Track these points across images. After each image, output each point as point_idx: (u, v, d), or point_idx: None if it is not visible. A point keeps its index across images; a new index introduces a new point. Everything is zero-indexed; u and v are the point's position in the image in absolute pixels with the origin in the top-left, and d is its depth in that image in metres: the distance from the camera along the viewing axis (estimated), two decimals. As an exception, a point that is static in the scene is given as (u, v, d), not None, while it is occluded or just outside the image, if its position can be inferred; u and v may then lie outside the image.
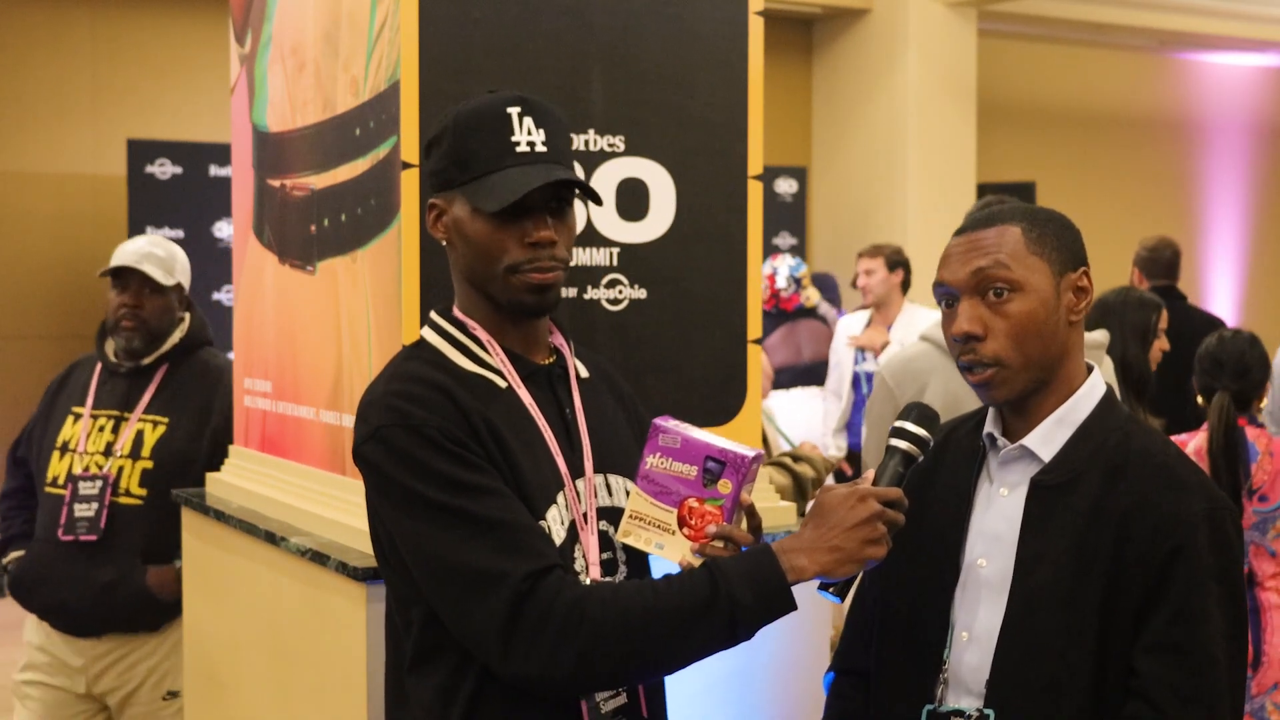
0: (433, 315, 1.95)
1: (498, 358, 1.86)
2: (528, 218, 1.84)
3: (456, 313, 1.92)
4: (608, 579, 1.86)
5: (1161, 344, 4.54)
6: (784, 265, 7.12)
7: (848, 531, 1.74)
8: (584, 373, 1.97)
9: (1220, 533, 1.79)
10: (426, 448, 1.74)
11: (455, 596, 1.73)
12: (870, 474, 1.83)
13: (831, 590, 1.78)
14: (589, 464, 1.89)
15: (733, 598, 1.71)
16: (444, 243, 1.89)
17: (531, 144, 1.85)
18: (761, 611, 1.73)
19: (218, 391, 3.85)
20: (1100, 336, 3.54)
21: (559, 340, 1.96)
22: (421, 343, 1.91)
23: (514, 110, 1.85)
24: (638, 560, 1.94)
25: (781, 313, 7.15)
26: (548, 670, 1.71)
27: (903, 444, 1.84)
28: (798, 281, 7.11)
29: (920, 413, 1.86)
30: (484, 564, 1.71)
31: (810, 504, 1.85)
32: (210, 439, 3.81)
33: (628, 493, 1.95)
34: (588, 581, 1.81)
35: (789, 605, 1.74)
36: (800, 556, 1.74)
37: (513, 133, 1.85)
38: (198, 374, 3.91)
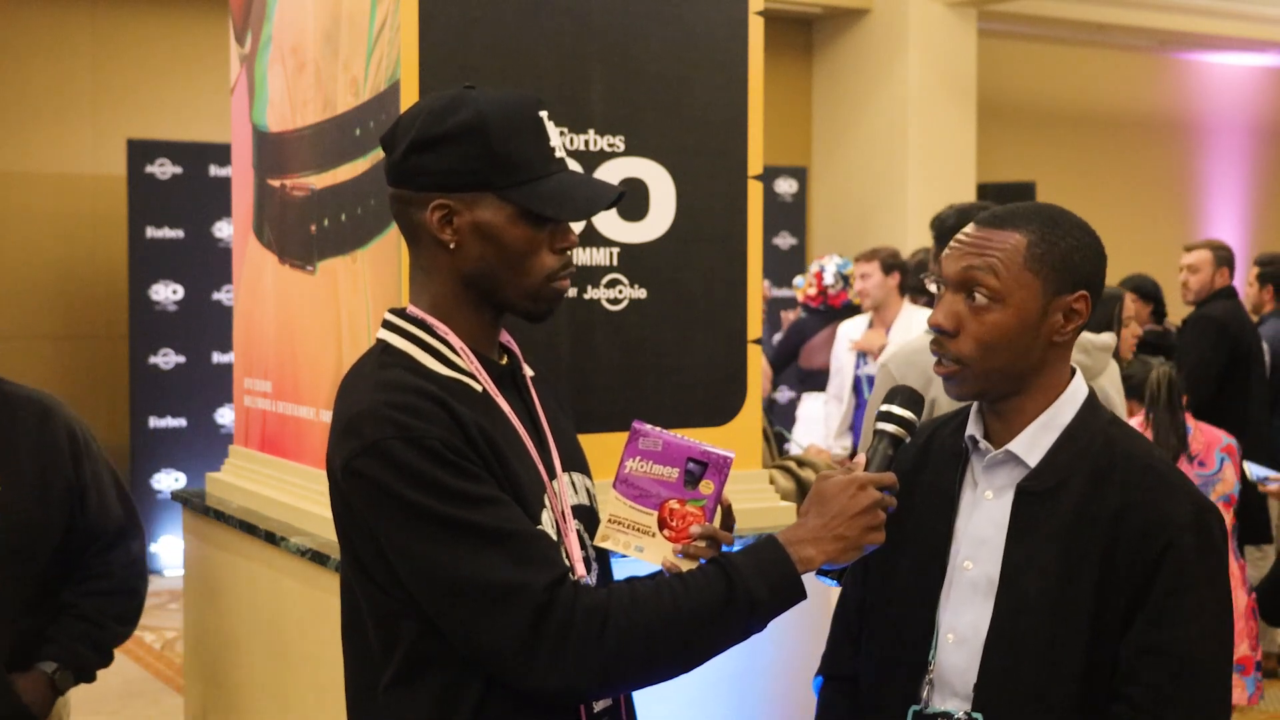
0: (389, 317, 1.88)
1: (470, 361, 1.82)
2: (559, 226, 1.83)
3: (417, 313, 1.85)
4: (590, 576, 1.86)
5: (1132, 331, 4.69)
6: (831, 263, 7.10)
7: (850, 520, 1.76)
8: (530, 371, 1.96)
9: (1207, 536, 1.81)
10: (428, 460, 1.70)
11: (468, 612, 1.69)
12: (862, 459, 1.85)
13: (831, 576, 1.80)
14: (558, 464, 1.89)
15: (749, 594, 1.72)
16: (450, 245, 1.80)
17: (558, 148, 1.85)
18: (776, 604, 1.74)
19: (53, 435, 2.84)
20: (1109, 339, 3.53)
21: (506, 338, 1.93)
22: (388, 348, 1.84)
23: (544, 114, 1.84)
24: (601, 555, 1.94)
25: (829, 309, 7.12)
26: (572, 681, 1.69)
27: (890, 427, 1.87)
28: (845, 279, 7.07)
29: (905, 396, 1.89)
30: (501, 577, 1.68)
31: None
32: (64, 498, 2.81)
33: (588, 491, 1.96)
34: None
35: (800, 595, 1.76)
36: (808, 547, 1.76)
37: (549, 138, 1.83)
38: (11, 412, 2.82)
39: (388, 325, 1.87)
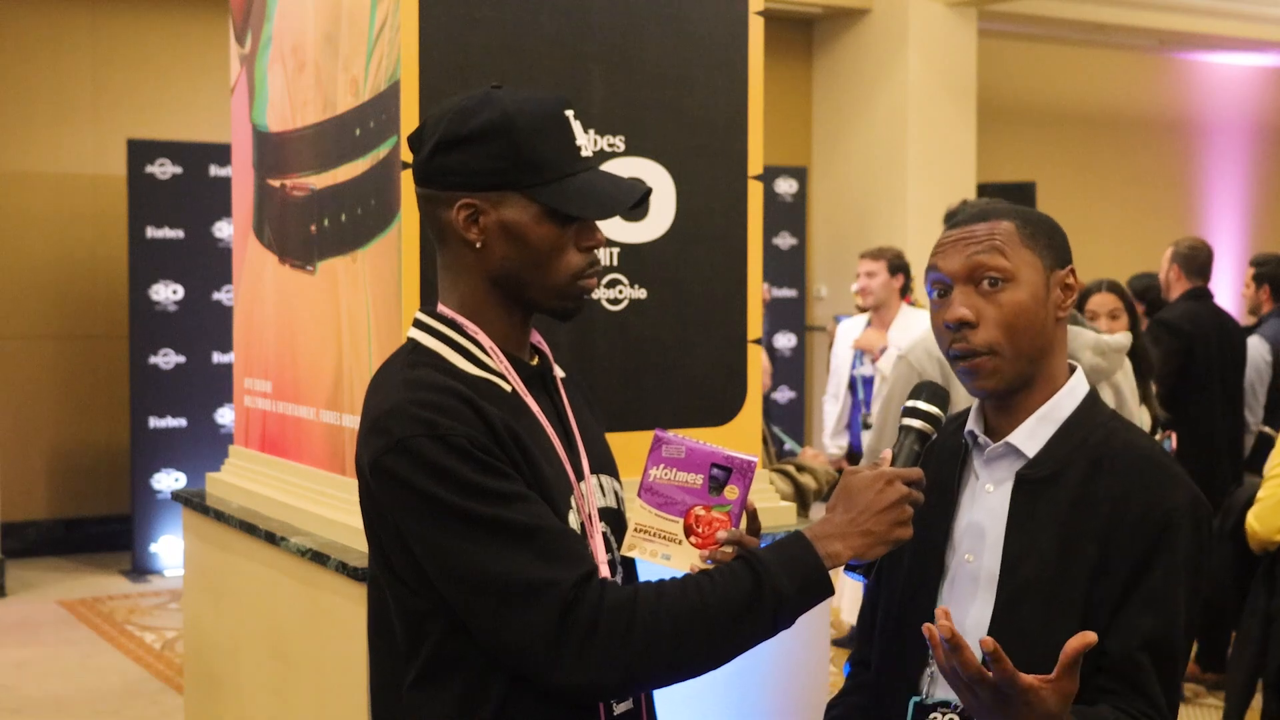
0: (420, 316, 1.88)
1: (499, 360, 1.83)
2: (585, 224, 1.83)
3: (448, 312, 1.85)
4: (615, 580, 1.86)
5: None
6: None
7: (878, 515, 1.76)
8: (560, 373, 1.96)
9: (1199, 526, 1.83)
10: (455, 457, 1.70)
11: (494, 608, 1.69)
12: (888, 454, 1.85)
13: (858, 571, 1.81)
14: (586, 465, 1.89)
15: (777, 590, 1.72)
16: (476, 244, 1.80)
17: (585, 147, 1.85)
18: (803, 600, 1.74)
19: None
20: (1123, 340, 3.54)
21: (537, 339, 1.94)
22: (417, 347, 1.84)
23: (569, 113, 1.84)
24: (628, 562, 1.94)
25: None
26: (599, 678, 1.69)
27: (917, 423, 1.87)
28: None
29: (931, 391, 1.89)
30: (528, 574, 1.68)
31: (833, 488, 1.85)
32: None
33: (616, 494, 1.96)
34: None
35: (828, 591, 1.76)
36: (834, 543, 1.76)
37: (574, 137, 1.84)
38: None
39: (418, 324, 1.87)
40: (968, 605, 1.88)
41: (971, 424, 1.95)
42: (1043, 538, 1.84)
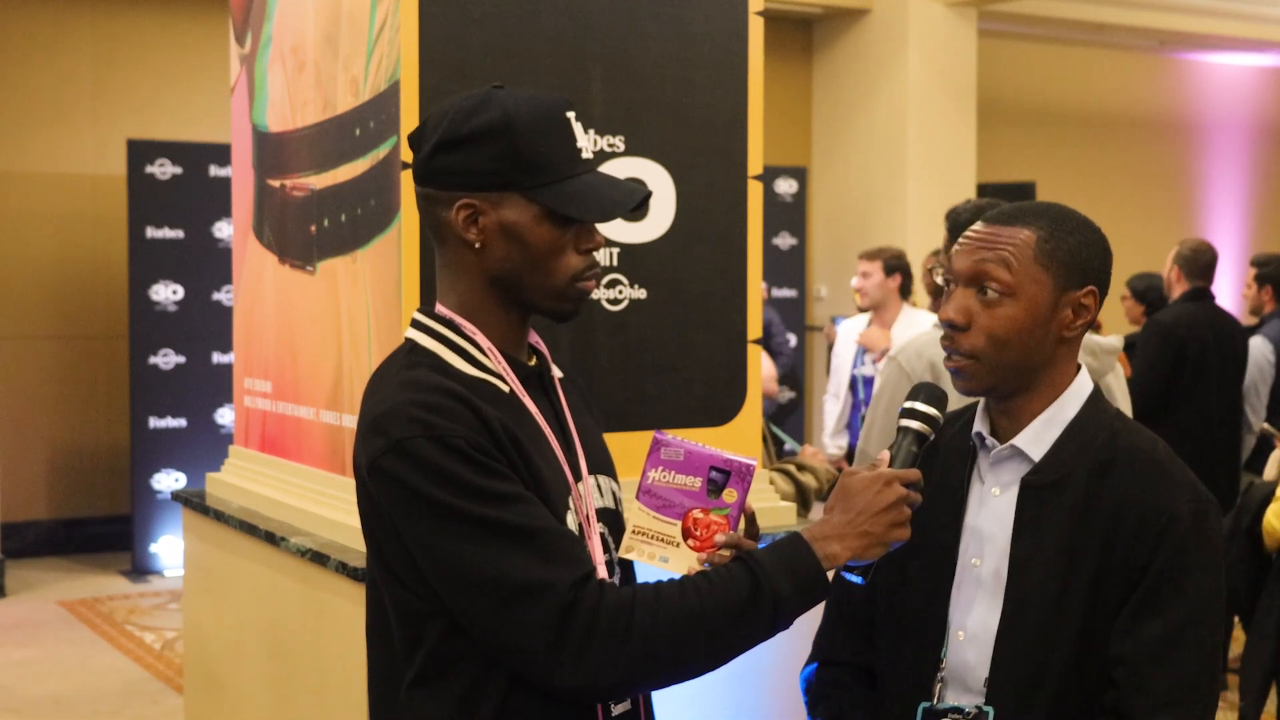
0: (418, 316, 1.88)
1: (497, 361, 1.83)
2: (584, 226, 1.83)
3: (445, 312, 1.85)
4: (613, 580, 1.86)
5: None
6: None
7: (875, 516, 1.76)
8: (558, 373, 1.96)
9: (1202, 527, 1.82)
10: (453, 458, 1.70)
11: (493, 610, 1.69)
12: (886, 455, 1.85)
13: (856, 572, 1.81)
14: (584, 466, 1.89)
15: (774, 591, 1.72)
16: (475, 244, 1.80)
17: (585, 149, 1.85)
18: (801, 601, 1.74)
19: None
20: (1115, 342, 3.55)
21: (535, 339, 1.94)
22: (415, 347, 1.84)
23: (571, 114, 1.84)
24: (625, 563, 1.94)
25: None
26: (597, 679, 1.69)
27: (915, 424, 1.87)
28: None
29: (929, 392, 1.89)
30: (526, 575, 1.68)
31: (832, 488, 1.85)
32: None
33: (614, 494, 1.96)
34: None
35: (826, 592, 1.76)
36: (833, 544, 1.76)
37: (575, 138, 1.84)
38: None
39: (416, 324, 1.87)
40: (974, 609, 1.88)
41: (978, 425, 1.95)
42: (1048, 544, 1.84)
